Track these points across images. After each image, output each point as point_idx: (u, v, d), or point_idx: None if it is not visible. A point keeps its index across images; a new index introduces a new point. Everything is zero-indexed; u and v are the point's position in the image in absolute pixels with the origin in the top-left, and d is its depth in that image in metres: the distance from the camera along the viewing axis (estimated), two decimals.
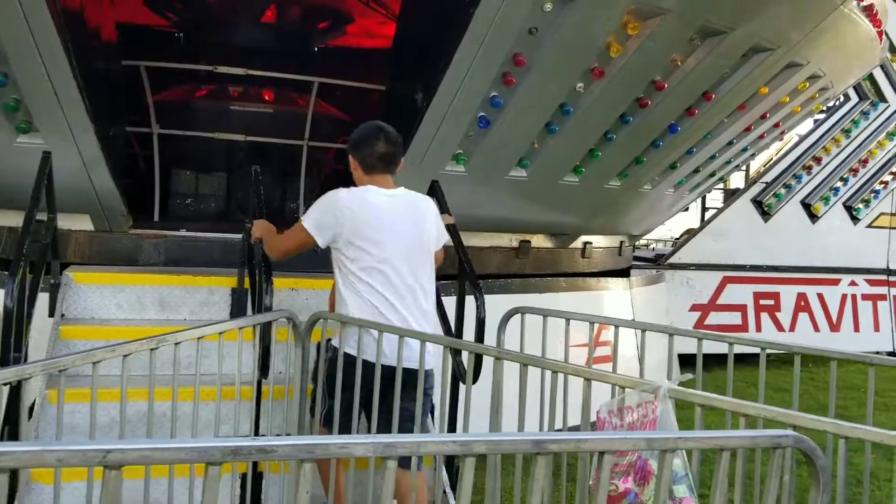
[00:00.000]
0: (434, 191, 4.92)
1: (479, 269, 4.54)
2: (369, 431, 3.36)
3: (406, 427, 3.29)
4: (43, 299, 4.36)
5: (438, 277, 4.97)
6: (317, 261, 5.33)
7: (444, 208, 4.79)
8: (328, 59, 9.76)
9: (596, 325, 3.91)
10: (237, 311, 4.73)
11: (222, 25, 7.67)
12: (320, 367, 3.55)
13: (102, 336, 4.26)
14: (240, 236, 5.12)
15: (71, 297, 4.52)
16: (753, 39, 5.35)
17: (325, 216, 3.43)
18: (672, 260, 8.91)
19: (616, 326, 3.73)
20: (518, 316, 3.93)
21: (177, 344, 2.69)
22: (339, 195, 3.46)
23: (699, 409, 2.26)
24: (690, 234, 11.16)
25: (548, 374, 2.97)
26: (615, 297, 6.75)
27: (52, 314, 4.37)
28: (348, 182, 3.60)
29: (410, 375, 3.24)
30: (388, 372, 3.24)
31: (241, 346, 3.24)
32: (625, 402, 2.32)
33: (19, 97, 4.43)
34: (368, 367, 3.28)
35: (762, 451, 2.17)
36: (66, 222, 4.99)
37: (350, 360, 3.33)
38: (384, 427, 3.31)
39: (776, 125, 7.11)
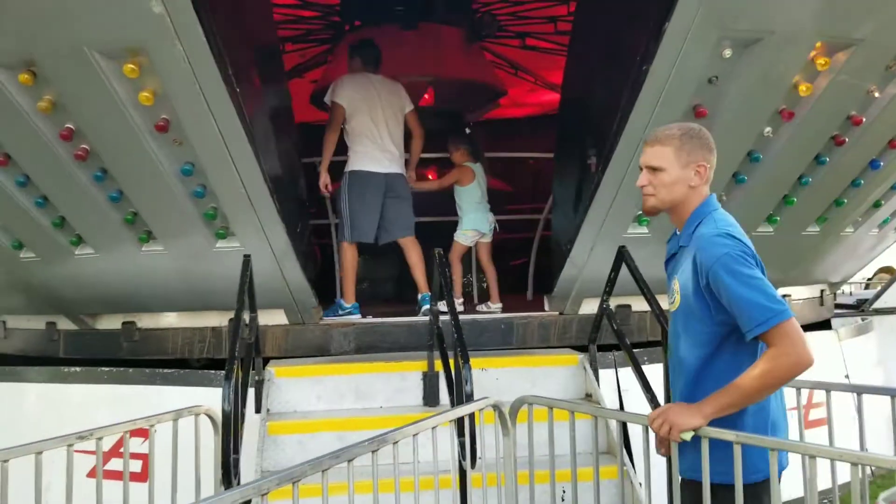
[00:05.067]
0: (621, 257, 4.72)
1: None
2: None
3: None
4: (248, 395, 4.50)
5: (639, 345, 4.83)
6: (506, 340, 5.27)
7: (635, 275, 4.57)
8: (484, 132, 9.89)
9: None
10: (430, 396, 4.68)
11: None
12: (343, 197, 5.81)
13: (307, 429, 4.34)
14: (425, 319, 5.14)
15: (274, 391, 4.65)
16: None
17: (333, 90, 5.77)
18: (877, 304, 8.07)
19: (858, 394, 3.30)
20: None
21: (395, 443, 2.62)
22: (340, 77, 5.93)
23: None
24: (891, 272, 10.18)
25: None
26: (825, 352, 6.13)
27: (258, 410, 4.49)
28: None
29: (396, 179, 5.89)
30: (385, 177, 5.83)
31: (453, 437, 3.14)
32: None
33: (216, 205, 4.69)
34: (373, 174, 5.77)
35: None
36: (262, 318, 5.18)
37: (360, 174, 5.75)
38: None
39: None
